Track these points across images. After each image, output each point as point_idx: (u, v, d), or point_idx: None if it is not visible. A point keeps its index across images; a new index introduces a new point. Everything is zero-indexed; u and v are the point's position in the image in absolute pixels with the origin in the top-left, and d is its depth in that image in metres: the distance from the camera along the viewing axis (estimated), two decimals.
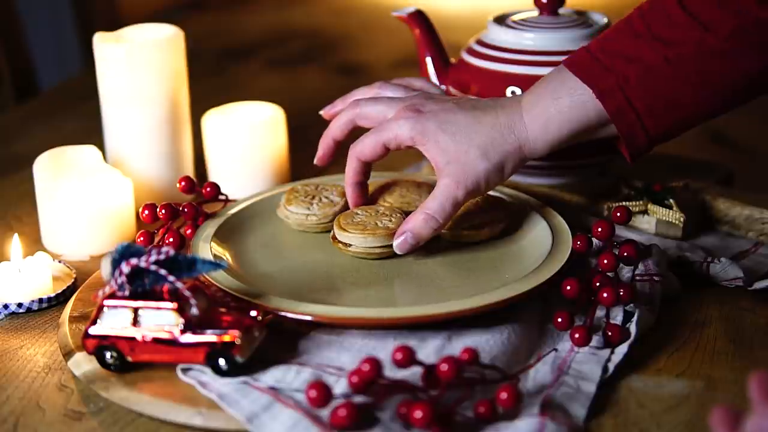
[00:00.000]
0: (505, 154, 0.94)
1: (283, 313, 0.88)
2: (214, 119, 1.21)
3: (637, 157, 0.94)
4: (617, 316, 0.91)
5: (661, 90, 0.91)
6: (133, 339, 0.83)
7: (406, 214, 1.01)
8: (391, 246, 0.97)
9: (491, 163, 0.93)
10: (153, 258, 0.82)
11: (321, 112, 1.08)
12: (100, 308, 0.84)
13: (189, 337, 0.82)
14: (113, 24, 1.50)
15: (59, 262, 1.06)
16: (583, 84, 0.92)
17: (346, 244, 0.98)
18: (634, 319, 0.90)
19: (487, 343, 0.86)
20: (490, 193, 1.05)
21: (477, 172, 0.93)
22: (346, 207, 1.04)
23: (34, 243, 1.13)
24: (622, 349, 0.87)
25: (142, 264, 0.82)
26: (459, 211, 1.00)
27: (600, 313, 0.92)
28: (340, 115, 1.03)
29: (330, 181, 1.10)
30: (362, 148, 0.98)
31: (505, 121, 0.94)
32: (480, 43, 1.16)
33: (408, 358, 0.78)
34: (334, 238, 1.00)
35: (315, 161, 1.05)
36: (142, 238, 1.00)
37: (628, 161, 0.95)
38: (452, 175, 0.93)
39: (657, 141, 0.93)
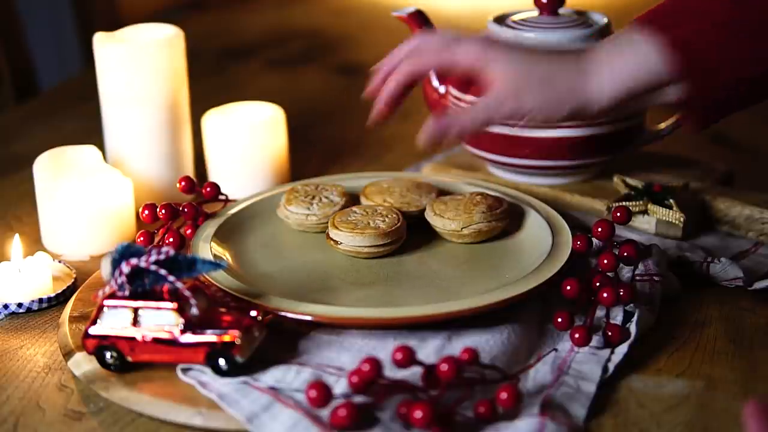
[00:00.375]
0: (565, 92, 0.88)
1: (283, 313, 0.88)
2: (214, 119, 1.21)
3: (704, 123, 0.90)
4: (617, 316, 0.91)
5: (737, 46, 0.86)
6: (133, 339, 0.83)
7: (404, 214, 1.01)
8: (380, 246, 0.98)
9: (548, 93, 0.88)
10: (153, 258, 0.82)
11: (366, 93, 0.96)
12: (100, 308, 0.84)
13: (189, 337, 0.82)
14: (113, 24, 1.50)
15: (59, 262, 1.06)
16: (655, 34, 0.87)
17: (336, 242, 0.99)
18: (634, 319, 0.90)
19: (487, 343, 0.86)
20: (490, 193, 1.05)
21: (533, 95, 0.88)
22: (345, 207, 1.04)
23: (34, 243, 1.13)
24: (622, 349, 0.87)
25: (142, 264, 0.82)
26: (459, 211, 1.00)
27: (600, 313, 0.92)
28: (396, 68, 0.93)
29: (330, 181, 1.10)
30: (418, 58, 0.91)
31: (573, 65, 0.89)
32: None
33: (408, 358, 0.78)
34: (328, 235, 1.00)
35: (373, 117, 0.95)
36: (142, 238, 1.00)
37: (694, 129, 0.90)
38: (506, 89, 0.88)
39: (724, 107, 0.89)
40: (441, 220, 1.00)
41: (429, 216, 1.01)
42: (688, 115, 0.91)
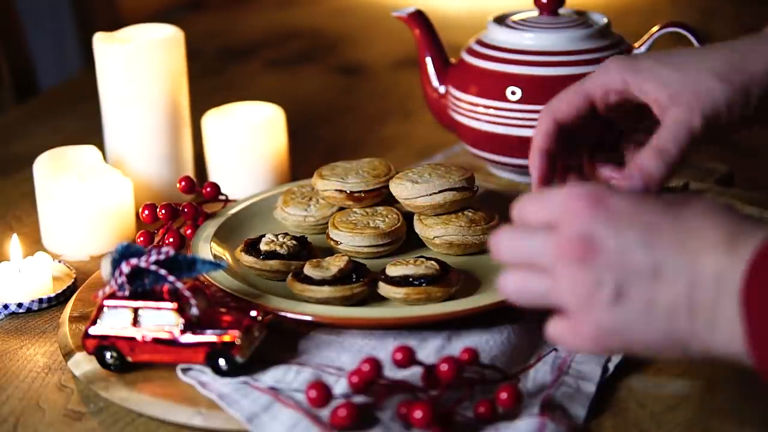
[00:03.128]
0: (750, 76, 0.78)
1: (283, 313, 0.88)
2: (213, 119, 1.21)
3: None
4: None
5: None
6: (133, 339, 0.83)
7: (403, 214, 1.01)
8: (379, 246, 0.98)
9: (732, 85, 0.77)
10: (153, 258, 0.82)
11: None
12: (100, 308, 0.84)
13: (189, 337, 0.82)
14: (113, 24, 1.50)
15: (59, 262, 1.06)
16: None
17: (336, 242, 0.99)
18: None
19: (487, 343, 0.86)
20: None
21: (714, 96, 0.77)
22: (343, 208, 1.04)
23: (34, 243, 1.13)
24: None
25: (142, 264, 0.82)
26: (462, 222, 0.98)
27: None
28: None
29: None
30: (557, 103, 0.85)
31: (740, 44, 0.79)
32: (480, 43, 1.17)
33: (408, 358, 0.78)
34: (328, 235, 1.00)
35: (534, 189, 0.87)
36: (142, 238, 1.00)
37: None
38: (683, 103, 0.78)
39: None
40: (420, 225, 1.00)
41: (416, 224, 1.01)
42: None
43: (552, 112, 0.85)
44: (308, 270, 0.91)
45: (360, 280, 0.91)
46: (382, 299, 0.92)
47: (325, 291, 0.89)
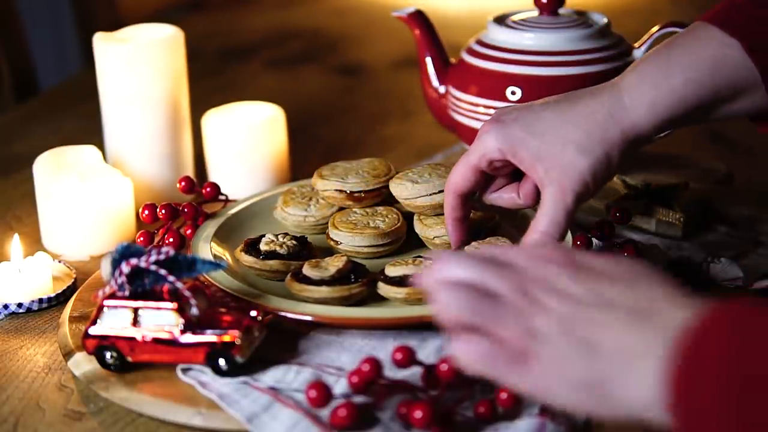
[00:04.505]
0: (609, 144, 0.84)
1: (283, 313, 0.88)
2: (213, 119, 1.21)
3: None
4: None
5: None
6: (133, 339, 0.83)
7: (403, 214, 1.01)
8: (379, 246, 0.98)
9: (594, 156, 0.84)
10: (153, 258, 0.83)
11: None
12: (100, 308, 0.84)
13: (189, 337, 0.82)
14: (113, 24, 1.50)
15: (59, 262, 1.06)
16: (731, 38, 0.80)
17: (336, 242, 0.99)
18: None
19: None
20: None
21: (580, 170, 0.84)
22: (343, 208, 1.04)
23: (34, 243, 1.13)
24: None
25: (142, 264, 0.82)
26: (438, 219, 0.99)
27: None
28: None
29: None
30: (454, 179, 0.91)
31: (599, 107, 0.84)
32: (480, 43, 1.17)
33: (408, 358, 0.78)
34: (328, 235, 1.00)
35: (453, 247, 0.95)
36: (142, 238, 1.00)
37: None
38: (555, 181, 0.84)
39: None
40: (420, 225, 1.00)
41: (416, 224, 1.01)
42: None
43: (451, 187, 0.91)
44: (307, 270, 0.91)
45: (358, 281, 0.91)
46: (382, 299, 0.92)
47: (323, 291, 0.89)
